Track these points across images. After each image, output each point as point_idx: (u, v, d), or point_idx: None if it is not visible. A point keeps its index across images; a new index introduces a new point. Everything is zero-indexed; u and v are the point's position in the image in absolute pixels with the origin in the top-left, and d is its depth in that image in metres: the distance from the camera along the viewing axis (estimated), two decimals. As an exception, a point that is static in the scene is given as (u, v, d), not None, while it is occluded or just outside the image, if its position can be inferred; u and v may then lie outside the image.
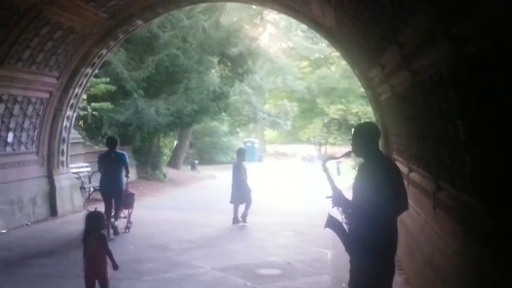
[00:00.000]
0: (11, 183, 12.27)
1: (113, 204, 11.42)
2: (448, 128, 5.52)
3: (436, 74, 5.47)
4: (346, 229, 5.17)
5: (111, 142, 11.71)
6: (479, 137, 4.61)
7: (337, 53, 26.74)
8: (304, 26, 30.54)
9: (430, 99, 6.05)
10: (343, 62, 32.86)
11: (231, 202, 13.43)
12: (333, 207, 5.28)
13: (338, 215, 5.29)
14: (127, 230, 11.73)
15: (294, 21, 32.44)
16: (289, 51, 47.20)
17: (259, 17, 33.97)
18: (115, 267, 6.59)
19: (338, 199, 5.19)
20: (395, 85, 8.57)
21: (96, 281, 6.63)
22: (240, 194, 13.34)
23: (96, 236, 6.68)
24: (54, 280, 8.17)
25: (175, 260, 9.54)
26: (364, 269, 4.95)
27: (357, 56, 11.88)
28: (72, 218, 13.75)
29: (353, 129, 5.55)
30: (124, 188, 11.53)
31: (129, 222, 11.79)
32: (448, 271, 5.63)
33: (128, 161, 11.77)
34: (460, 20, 4.23)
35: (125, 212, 11.84)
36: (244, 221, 13.30)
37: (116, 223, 11.44)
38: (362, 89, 19.29)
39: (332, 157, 5.95)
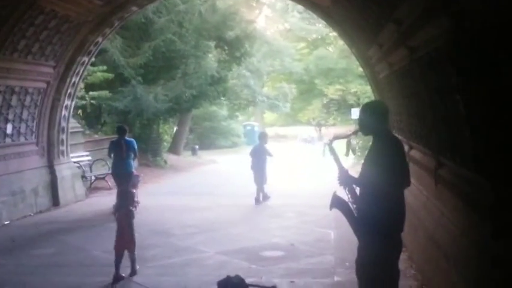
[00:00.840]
0: (12, 174, 12.26)
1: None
2: (447, 104, 5.49)
3: (434, 50, 5.43)
4: (353, 208, 5.17)
5: (120, 130, 13.02)
6: (479, 112, 4.59)
7: (335, 33, 26.62)
8: (300, 7, 30.43)
9: (429, 75, 6.01)
10: (341, 42, 32.69)
11: (255, 182, 14.14)
12: (339, 186, 5.28)
13: (344, 195, 5.28)
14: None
15: (290, 2, 32.23)
16: (286, 33, 46.96)
17: (255, -1, 33.80)
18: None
19: (344, 178, 5.19)
20: (393, 63, 8.52)
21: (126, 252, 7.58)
22: (264, 174, 14.16)
23: (125, 210, 7.59)
24: (58, 269, 8.20)
25: (179, 245, 9.56)
26: (371, 246, 4.96)
27: (355, 35, 11.80)
28: (74, 207, 13.79)
29: (361, 108, 5.49)
30: (133, 170, 12.67)
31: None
32: (451, 247, 5.63)
33: (136, 147, 12.99)
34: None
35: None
36: (265, 198, 14.15)
37: None
38: (360, 69, 19.21)
39: (340, 136, 5.87)
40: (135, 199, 11.11)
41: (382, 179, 4.81)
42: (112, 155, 12.95)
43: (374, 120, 5.14)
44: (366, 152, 5.49)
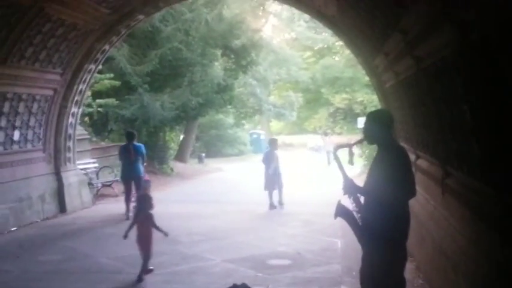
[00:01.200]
0: (20, 180, 12.30)
1: (132, 188, 12.98)
2: (454, 113, 5.49)
3: (440, 60, 5.43)
4: (357, 218, 5.16)
5: (129, 136, 13.46)
6: (486, 122, 4.58)
7: (341, 42, 26.65)
8: (306, 16, 30.44)
9: (435, 85, 6.01)
10: (347, 51, 32.71)
11: (265, 189, 14.35)
12: (344, 195, 5.27)
13: (349, 203, 5.28)
14: None
15: (296, 11, 32.33)
16: (292, 42, 47.00)
17: (261, 8, 33.80)
18: (166, 234, 7.91)
19: (349, 187, 5.17)
20: (399, 72, 8.52)
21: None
22: (274, 180, 14.33)
23: (144, 215, 7.83)
24: (65, 276, 8.21)
25: (185, 252, 9.56)
26: (375, 255, 4.95)
27: (361, 45, 11.81)
28: (81, 214, 13.81)
29: (365, 117, 5.48)
30: (142, 175, 13.04)
31: None
32: (459, 257, 5.61)
33: (144, 152, 13.43)
34: (464, 5, 4.19)
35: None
36: (281, 203, 14.43)
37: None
38: (367, 78, 19.21)
39: (343, 145, 5.84)
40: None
41: (386, 189, 4.79)
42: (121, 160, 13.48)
43: (379, 129, 5.13)
44: (371, 161, 5.48)
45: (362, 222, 5.10)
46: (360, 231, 5.12)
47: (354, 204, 5.21)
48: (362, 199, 5.23)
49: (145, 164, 13.67)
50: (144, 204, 7.94)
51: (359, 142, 5.78)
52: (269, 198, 14.19)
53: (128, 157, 13.01)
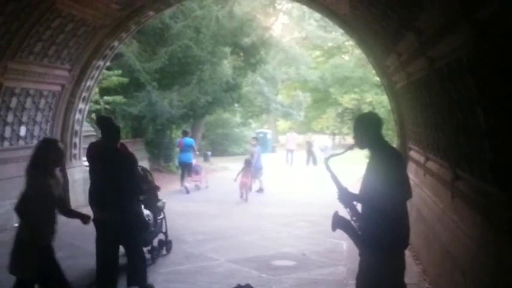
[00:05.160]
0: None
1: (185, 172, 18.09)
2: (467, 116, 5.38)
3: (455, 61, 5.32)
4: (355, 226, 5.01)
5: (184, 132, 18.95)
6: (500, 125, 4.48)
7: (351, 42, 26.50)
8: (317, 15, 30.33)
9: (449, 86, 5.90)
10: (357, 51, 32.57)
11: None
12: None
13: (346, 213, 5.15)
14: (207, 187, 18.99)
15: (307, 10, 32.19)
16: (302, 40, 46.82)
17: (271, 6, 33.63)
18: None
19: (344, 197, 5.03)
20: (412, 73, 8.41)
21: None
22: (255, 172, 17.64)
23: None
24: (69, 273, 8.12)
25: (189, 252, 9.49)
26: (373, 264, 4.83)
27: (372, 44, 11.70)
28: (85, 211, 13.69)
29: (354, 121, 5.31)
30: (192, 162, 18.17)
31: (203, 182, 19.01)
32: (467, 261, 5.52)
33: (194, 144, 18.56)
34: (481, 4, 4.08)
35: (195, 178, 18.73)
36: (260, 189, 18.04)
37: (187, 184, 17.94)
38: (377, 78, 19.07)
39: (335, 154, 5.67)
40: (203, 181, 17.56)
41: (381, 194, 4.65)
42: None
43: (368, 132, 4.98)
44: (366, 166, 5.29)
45: (360, 230, 4.96)
46: (359, 241, 4.99)
47: (351, 214, 5.07)
48: (359, 207, 5.09)
49: (197, 153, 19.28)
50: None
51: (350, 148, 5.57)
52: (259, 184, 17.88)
53: (183, 147, 17.94)
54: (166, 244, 9.38)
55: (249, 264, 8.63)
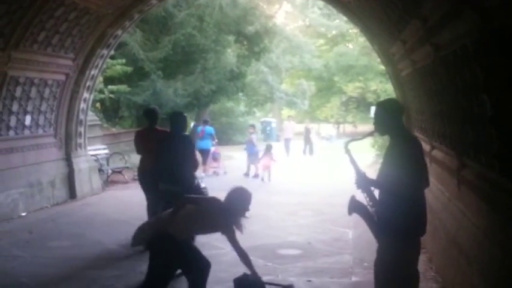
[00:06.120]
0: (30, 166, 12.29)
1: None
2: (473, 103, 5.34)
3: (460, 48, 5.28)
4: (372, 212, 5.02)
5: (204, 121, 20.35)
6: (506, 112, 4.44)
7: (355, 30, 26.37)
8: (320, 3, 30.18)
9: (454, 74, 5.86)
10: (362, 39, 32.44)
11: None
12: (357, 189, 5.13)
13: (363, 198, 5.14)
14: (225, 172, 19.54)
15: (310, -2, 32.02)
16: (306, 29, 46.63)
17: (275, -6, 33.56)
18: None
19: (362, 182, 5.03)
20: (417, 60, 8.36)
21: None
22: (251, 158, 19.05)
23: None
24: (75, 262, 8.18)
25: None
26: (390, 250, 4.84)
27: (377, 32, 11.63)
28: (91, 201, 13.79)
29: (375, 107, 5.31)
30: (211, 148, 19.13)
31: (221, 168, 19.70)
32: (474, 250, 5.50)
33: (213, 133, 19.48)
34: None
35: (214, 164, 19.61)
36: (255, 175, 18.56)
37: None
38: (381, 66, 18.99)
39: (355, 138, 5.70)
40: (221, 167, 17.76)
41: (400, 180, 4.66)
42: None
43: (391, 119, 4.97)
44: (384, 152, 5.31)
45: (377, 216, 4.97)
46: (375, 226, 5.00)
47: (368, 199, 5.07)
48: (376, 192, 5.09)
49: (216, 141, 19.82)
50: None
51: (370, 134, 5.60)
52: (247, 169, 19.02)
53: (201, 135, 19.04)
54: None
55: (254, 253, 8.59)
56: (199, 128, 19.62)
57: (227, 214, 5.79)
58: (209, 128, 19.43)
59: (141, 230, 6.37)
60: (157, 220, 6.28)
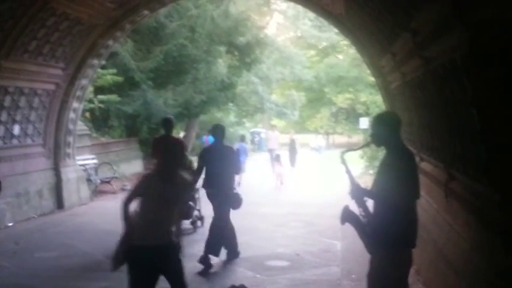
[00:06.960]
0: (18, 175, 12.21)
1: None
2: (461, 116, 5.37)
3: (449, 62, 5.32)
4: (364, 222, 5.03)
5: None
6: (495, 125, 4.48)
7: (346, 42, 26.47)
8: (312, 15, 30.33)
9: (443, 87, 5.90)
10: (352, 50, 32.53)
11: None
12: (351, 200, 5.14)
13: (356, 208, 5.15)
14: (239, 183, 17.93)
15: (301, 9, 32.17)
16: (297, 40, 46.81)
17: (266, 5, 33.62)
18: None
19: (356, 192, 5.05)
20: (406, 73, 8.41)
21: None
22: None
23: None
24: (62, 273, 8.12)
25: (184, 252, 9.44)
26: (382, 261, 4.85)
27: (367, 44, 11.70)
28: (79, 211, 13.72)
29: (373, 119, 5.37)
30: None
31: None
32: (461, 262, 5.52)
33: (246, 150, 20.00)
34: (476, 6, 4.08)
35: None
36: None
37: None
38: (371, 78, 19.07)
39: (351, 148, 5.73)
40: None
41: (394, 192, 4.70)
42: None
43: (388, 131, 5.03)
44: (379, 164, 5.35)
45: (371, 227, 4.98)
46: (366, 237, 5.01)
47: (361, 209, 5.09)
48: (370, 204, 5.11)
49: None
50: None
51: (366, 145, 5.65)
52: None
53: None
54: (200, 218, 11.51)
55: (243, 264, 8.62)
56: (204, 137, 20.30)
57: None
58: (242, 145, 20.09)
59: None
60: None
